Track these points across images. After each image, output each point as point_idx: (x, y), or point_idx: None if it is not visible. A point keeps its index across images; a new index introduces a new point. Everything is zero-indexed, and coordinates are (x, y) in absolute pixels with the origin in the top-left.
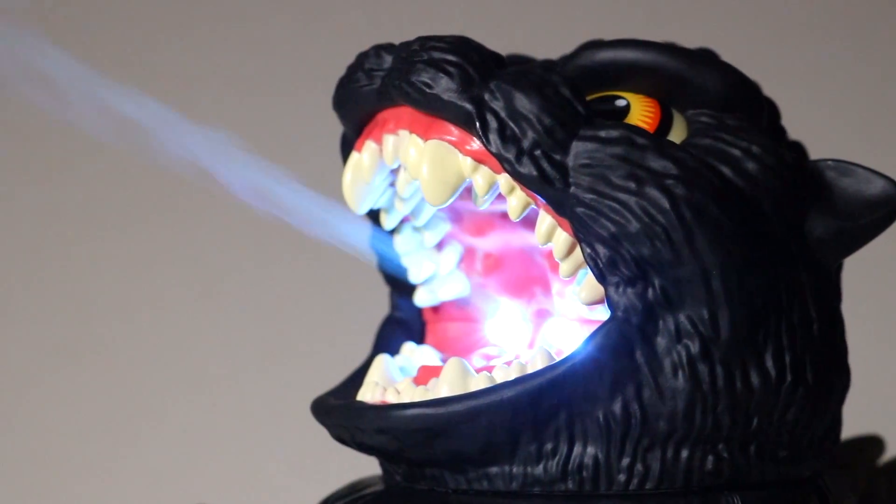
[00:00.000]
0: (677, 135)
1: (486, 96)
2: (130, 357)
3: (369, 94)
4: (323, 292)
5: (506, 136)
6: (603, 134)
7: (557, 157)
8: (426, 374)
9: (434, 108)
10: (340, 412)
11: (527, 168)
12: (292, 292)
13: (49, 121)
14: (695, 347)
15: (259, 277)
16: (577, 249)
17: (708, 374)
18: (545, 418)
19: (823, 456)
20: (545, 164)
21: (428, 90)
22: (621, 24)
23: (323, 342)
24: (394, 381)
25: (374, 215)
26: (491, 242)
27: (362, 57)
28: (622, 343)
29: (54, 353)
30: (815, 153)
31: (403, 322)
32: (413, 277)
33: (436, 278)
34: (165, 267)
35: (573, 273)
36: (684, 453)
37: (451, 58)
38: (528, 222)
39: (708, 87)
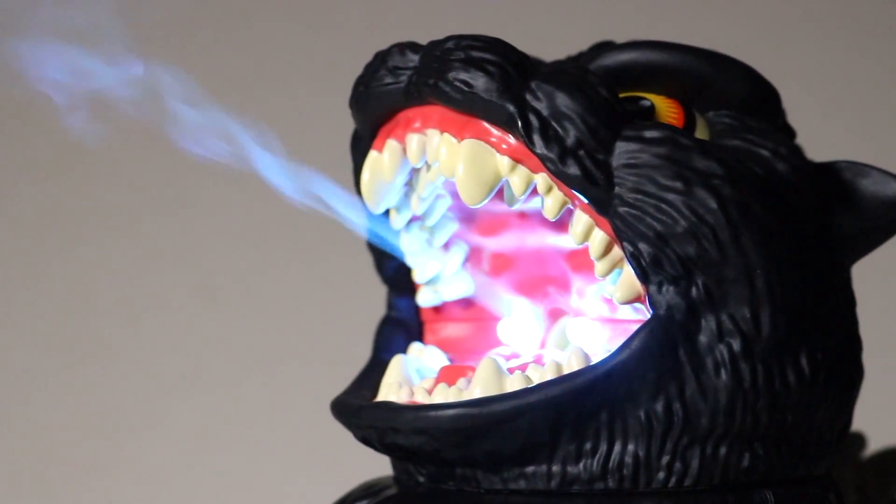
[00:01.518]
0: (701, 136)
1: (528, 96)
2: (131, 358)
3: (393, 92)
4: (325, 294)
5: (549, 136)
6: (647, 134)
7: (601, 156)
8: (450, 374)
9: (473, 108)
10: (372, 412)
11: (571, 168)
12: (294, 293)
13: (49, 120)
14: (737, 346)
15: (261, 278)
16: (614, 249)
17: (749, 372)
18: (587, 417)
19: (838, 452)
20: (589, 164)
21: (467, 89)
22: (616, 23)
23: (325, 344)
24: (412, 381)
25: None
26: (503, 242)
27: (385, 55)
28: (665, 342)
29: (55, 354)
30: (811, 153)
31: (401, 322)
32: (419, 277)
33: (441, 278)
34: (167, 268)
35: (608, 272)
36: (722, 450)
37: (490, 57)
38: (546, 221)
39: (730, 88)
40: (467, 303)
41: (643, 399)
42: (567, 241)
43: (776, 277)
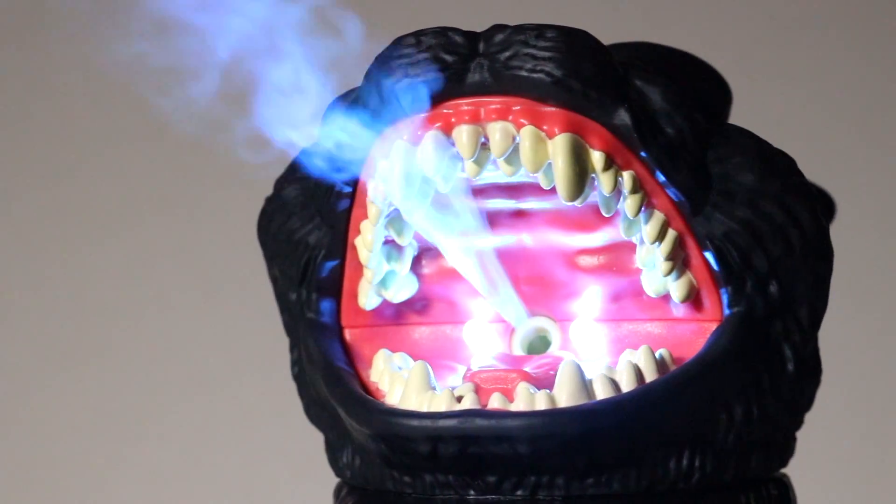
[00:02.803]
0: None
1: (633, 94)
2: (131, 358)
3: (439, 80)
4: None
5: (656, 136)
6: (735, 137)
7: (700, 156)
8: (492, 380)
9: (583, 103)
10: (466, 422)
11: (681, 169)
12: None
13: (49, 120)
14: (799, 341)
15: (261, 278)
16: (682, 249)
17: (807, 369)
18: (680, 416)
19: None
20: (693, 164)
21: (577, 82)
22: (609, 23)
23: None
24: (434, 388)
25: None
26: (474, 242)
27: (428, 41)
28: (746, 339)
29: (55, 354)
30: (804, 153)
31: (327, 327)
32: (373, 278)
33: (392, 279)
34: (167, 268)
35: (671, 271)
36: (773, 446)
37: (592, 48)
38: (557, 219)
39: (707, 91)
40: (416, 307)
41: (728, 396)
42: (580, 240)
43: (830, 274)
